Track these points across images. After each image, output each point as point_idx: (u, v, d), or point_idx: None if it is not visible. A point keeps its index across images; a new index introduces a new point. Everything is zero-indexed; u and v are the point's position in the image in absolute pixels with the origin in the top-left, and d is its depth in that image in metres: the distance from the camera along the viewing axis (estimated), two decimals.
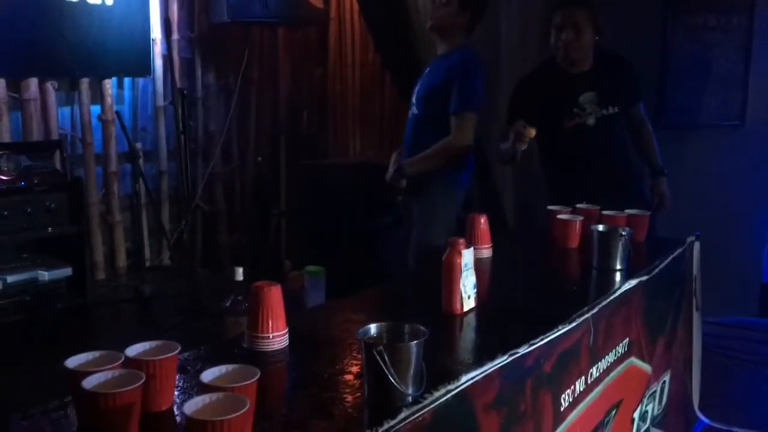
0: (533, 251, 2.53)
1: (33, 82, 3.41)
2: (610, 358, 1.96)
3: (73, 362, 1.15)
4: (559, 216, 2.44)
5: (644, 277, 2.12)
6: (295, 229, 4.64)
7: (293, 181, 4.68)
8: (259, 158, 4.63)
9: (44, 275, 3.11)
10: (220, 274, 4.19)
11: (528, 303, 1.90)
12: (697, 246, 2.56)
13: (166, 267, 4.10)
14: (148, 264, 3.99)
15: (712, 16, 3.90)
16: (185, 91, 3.28)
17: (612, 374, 1.98)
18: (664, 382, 2.43)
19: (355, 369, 1.37)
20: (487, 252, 2.24)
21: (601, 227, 2.20)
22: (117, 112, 3.54)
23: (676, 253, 2.39)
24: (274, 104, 4.68)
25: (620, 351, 2.02)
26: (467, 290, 1.73)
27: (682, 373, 2.60)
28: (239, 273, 2.31)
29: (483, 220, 2.25)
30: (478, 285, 1.79)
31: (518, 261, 2.42)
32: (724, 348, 3.56)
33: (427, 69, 3.12)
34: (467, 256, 1.73)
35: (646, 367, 2.22)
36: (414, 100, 3.09)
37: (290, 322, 1.53)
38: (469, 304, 1.74)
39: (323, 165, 4.65)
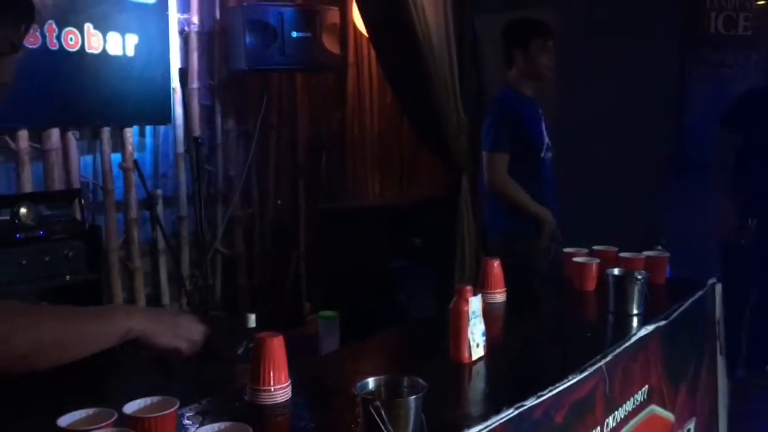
0: (548, 295, 2.49)
1: (55, 132, 3.47)
2: (629, 406, 1.90)
3: (65, 420, 1.14)
4: (575, 258, 2.40)
5: (662, 322, 2.06)
6: (314, 271, 4.64)
7: (312, 223, 4.68)
8: (279, 201, 4.66)
9: None
10: (237, 319, 4.19)
11: (540, 351, 1.86)
12: (718, 288, 2.49)
13: (184, 312, 4.11)
14: None
15: (730, 55, 3.87)
16: (200, 139, 3.32)
17: (631, 423, 1.91)
18: (689, 430, 2.34)
19: (358, 421, 1.34)
20: (500, 296, 2.20)
21: (616, 271, 2.16)
22: (135, 161, 3.59)
23: (696, 296, 2.33)
24: (292, 148, 4.72)
25: (639, 399, 1.96)
26: (476, 338, 1.69)
27: (707, 420, 2.51)
28: (252, 319, 2.28)
29: (496, 264, 2.22)
30: (490, 332, 1.75)
31: (532, 306, 2.37)
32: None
33: (533, 112, 3.36)
34: (475, 304, 1.70)
35: (669, 415, 2.15)
36: (549, 142, 3.35)
37: (297, 372, 1.51)
38: (478, 352, 1.70)
39: (342, 207, 4.66)
